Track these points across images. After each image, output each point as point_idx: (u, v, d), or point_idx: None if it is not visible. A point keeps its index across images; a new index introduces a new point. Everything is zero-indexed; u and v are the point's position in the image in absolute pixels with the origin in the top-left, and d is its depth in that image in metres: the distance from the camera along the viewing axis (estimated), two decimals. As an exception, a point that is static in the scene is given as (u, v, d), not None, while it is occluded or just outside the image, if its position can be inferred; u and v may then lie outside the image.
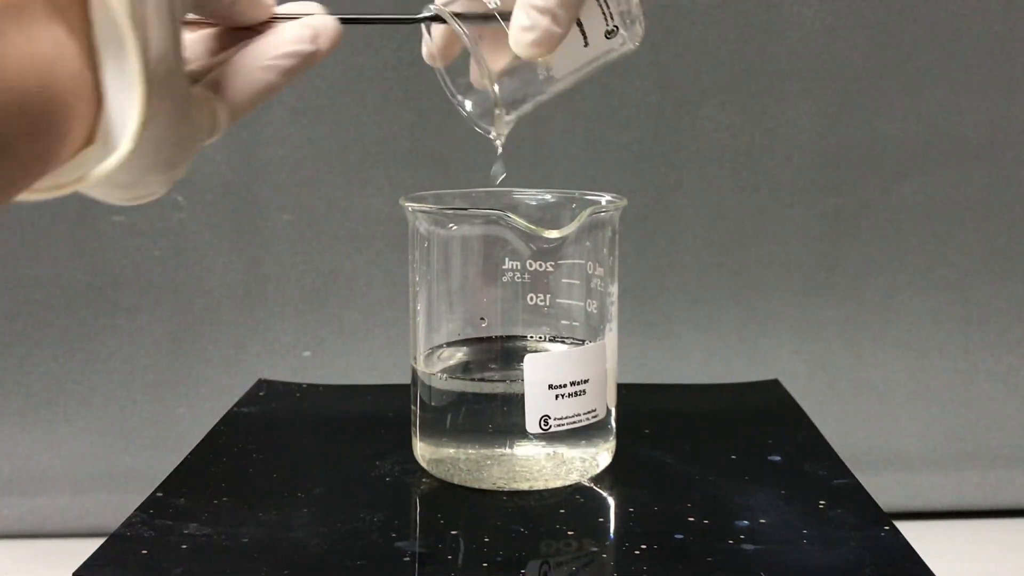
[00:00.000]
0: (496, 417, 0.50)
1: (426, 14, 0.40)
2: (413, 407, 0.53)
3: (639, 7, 0.40)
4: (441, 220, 0.51)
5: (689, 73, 0.85)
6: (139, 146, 0.28)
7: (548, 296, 0.51)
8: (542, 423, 0.49)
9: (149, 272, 0.86)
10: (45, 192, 0.28)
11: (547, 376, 0.49)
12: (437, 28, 0.41)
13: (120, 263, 0.85)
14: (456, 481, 0.51)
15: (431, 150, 0.85)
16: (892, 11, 0.84)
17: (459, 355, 0.53)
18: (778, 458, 0.56)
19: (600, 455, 0.53)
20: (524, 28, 0.37)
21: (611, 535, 0.48)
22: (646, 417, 0.62)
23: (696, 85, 0.85)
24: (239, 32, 0.35)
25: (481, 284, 0.51)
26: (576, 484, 0.52)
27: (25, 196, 0.28)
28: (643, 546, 0.45)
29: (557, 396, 0.49)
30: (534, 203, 0.55)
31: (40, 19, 0.25)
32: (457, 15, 0.39)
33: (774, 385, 0.69)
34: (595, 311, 0.52)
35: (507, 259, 0.50)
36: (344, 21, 0.37)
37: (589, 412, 0.50)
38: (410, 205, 0.51)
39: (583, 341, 0.52)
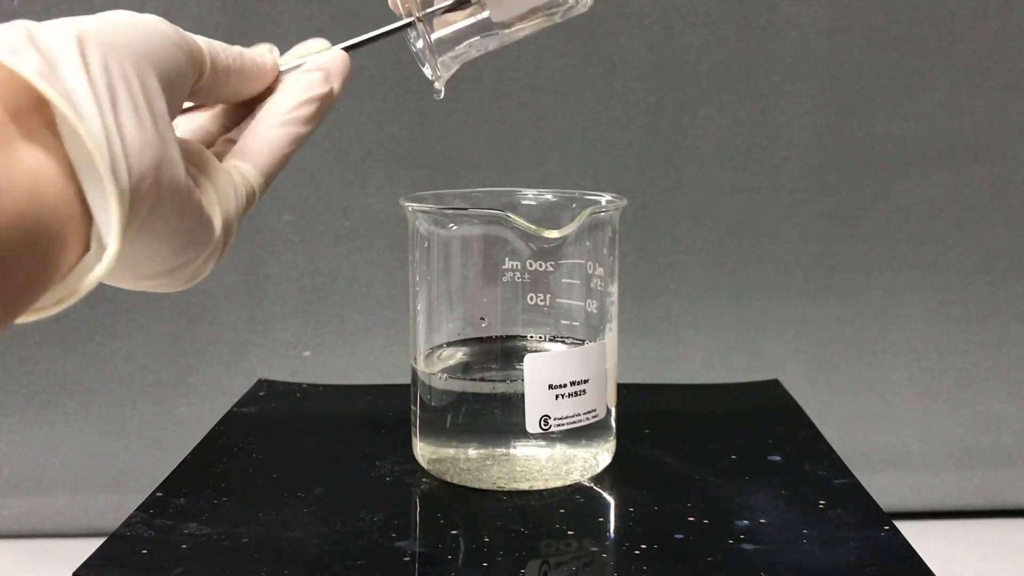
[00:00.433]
0: (496, 417, 0.50)
1: (409, 18, 0.39)
2: (413, 407, 0.53)
3: None
4: (441, 220, 0.51)
5: (689, 73, 0.85)
6: (141, 242, 0.28)
7: (548, 296, 0.51)
8: (542, 423, 0.49)
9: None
10: (48, 309, 0.28)
11: (547, 376, 0.49)
12: None
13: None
14: (456, 481, 0.51)
15: (431, 150, 0.85)
16: (892, 11, 0.84)
17: (459, 355, 0.53)
18: (778, 458, 0.56)
19: (600, 455, 0.53)
20: None
21: (611, 535, 0.48)
22: (646, 417, 0.62)
23: (696, 85, 0.85)
24: (251, 102, 0.35)
25: (481, 284, 0.51)
26: (576, 484, 0.52)
27: (26, 317, 0.28)
28: (643, 546, 0.45)
29: (557, 396, 0.49)
30: (534, 203, 0.55)
31: (16, 139, 0.25)
32: None
33: (774, 385, 0.69)
34: (595, 311, 0.52)
35: (507, 259, 0.50)
36: (348, 48, 0.37)
37: (589, 412, 0.50)
38: (410, 205, 0.51)
39: (583, 341, 0.52)
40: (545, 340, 0.52)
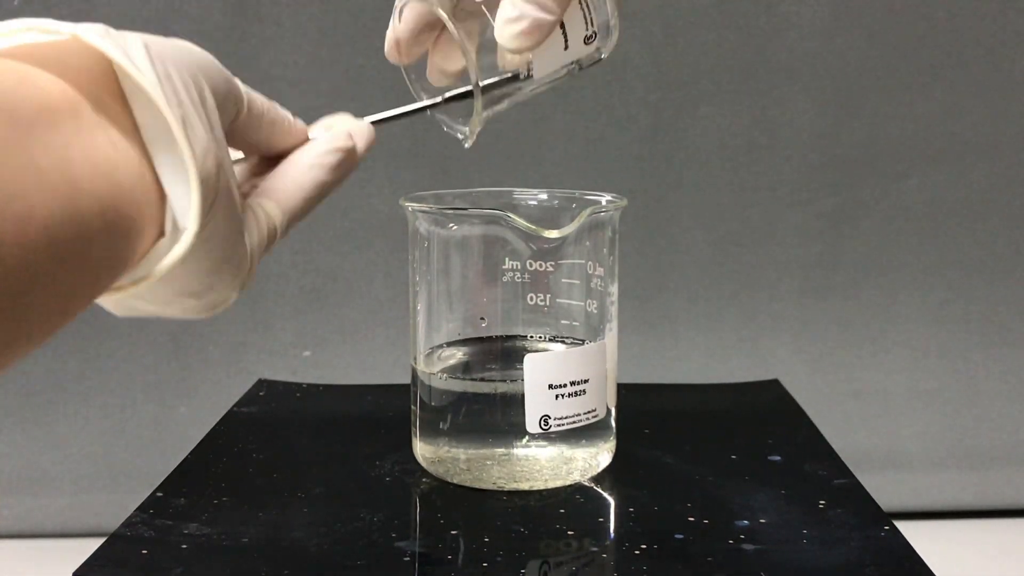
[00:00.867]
0: (496, 417, 0.50)
1: (449, 95, 0.41)
2: (413, 407, 0.53)
3: (617, 19, 0.40)
4: (441, 220, 0.51)
5: (689, 73, 0.85)
6: (201, 241, 0.28)
7: (548, 296, 0.51)
8: (542, 423, 0.49)
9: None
10: (124, 291, 0.29)
11: (547, 376, 0.49)
12: (409, 13, 0.40)
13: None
14: (456, 481, 0.51)
15: (431, 150, 0.85)
16: (892, 11, 0.84)
17: (459, 355, 0.53)
18: (778, 458, 0.56)
19: (600, 455, 0.53)
20: (511, 19, 0.37)
21: (611, 535, 0.48)
22: (646, 417, 0.62)
23: (696, 85, 0.85)
24: (278, 157, 0.36)
25: (481, 284, 0.51)
26: (576, 484, 0.52)
27: (105, 298, 0.29)
28: (643, 546, 0.45)
29: (557, 396, 0.49)
30: (534, 203, 0.55)
31: (94, 123, 0.26)
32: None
33: (774, 385, 0.69)
34: (595, 311, 0.52)
35: (507, 259, 0.50)
36: (376, 123, 0.39)
37: (589, 412, 0.50)
38: (410, 205, 0.51)
39: (583, 341, 0.52)
40: (545, 340, 0.52)
